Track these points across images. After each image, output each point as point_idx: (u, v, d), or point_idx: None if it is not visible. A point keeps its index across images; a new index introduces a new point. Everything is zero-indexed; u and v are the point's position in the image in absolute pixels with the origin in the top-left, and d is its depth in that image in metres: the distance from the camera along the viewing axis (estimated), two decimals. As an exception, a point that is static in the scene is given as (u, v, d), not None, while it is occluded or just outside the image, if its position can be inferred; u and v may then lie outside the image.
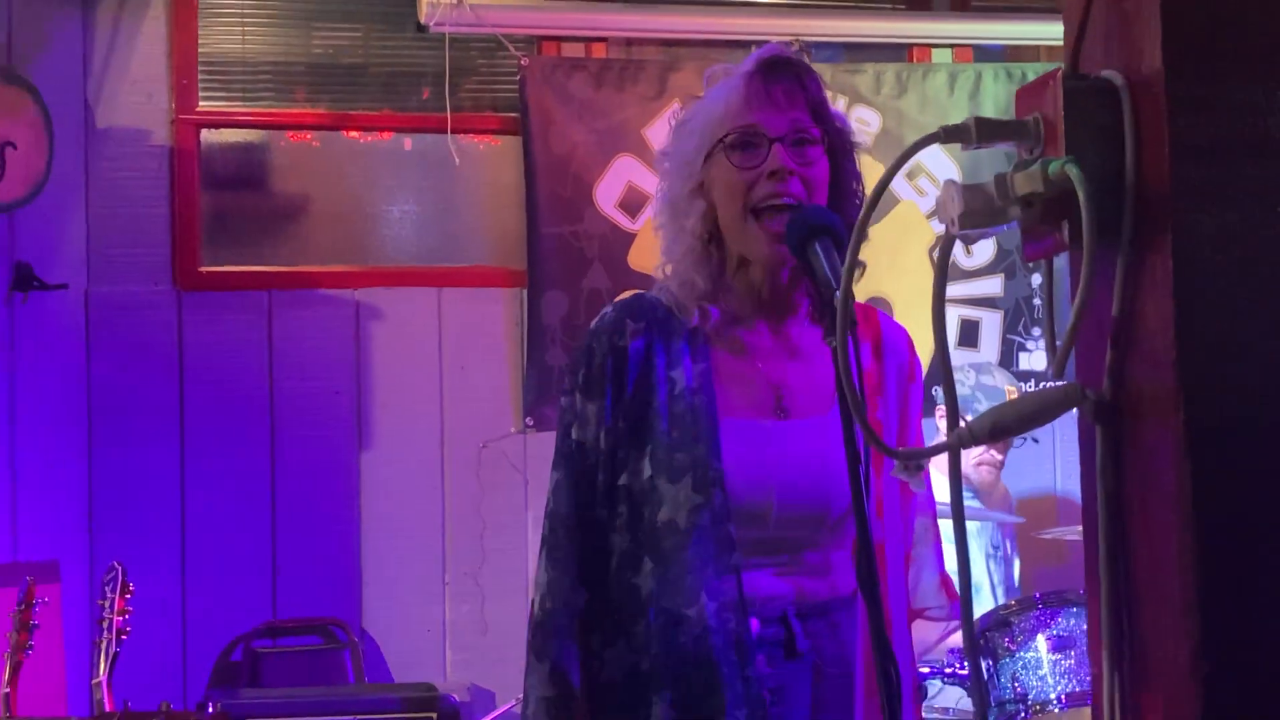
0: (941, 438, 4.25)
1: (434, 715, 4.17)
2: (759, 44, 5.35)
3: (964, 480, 4.19)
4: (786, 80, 2.16)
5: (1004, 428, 1.28)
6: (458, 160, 5.00)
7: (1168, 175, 1.17)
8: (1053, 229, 1.23)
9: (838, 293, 1.93)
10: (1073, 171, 1.15)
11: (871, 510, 2.03)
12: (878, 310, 2.29)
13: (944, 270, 1.31)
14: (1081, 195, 1.15)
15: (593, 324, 2.26)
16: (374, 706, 4.15)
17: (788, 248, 2.05)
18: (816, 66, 5.17)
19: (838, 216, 2.08)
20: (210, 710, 2.07)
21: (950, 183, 1.24)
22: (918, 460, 1.33)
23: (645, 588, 2.13)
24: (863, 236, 1.32)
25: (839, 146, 2.19)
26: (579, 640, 2.19)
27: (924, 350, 2.19)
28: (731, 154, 2.14)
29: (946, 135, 1.25)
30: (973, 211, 1.22)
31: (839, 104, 5.21)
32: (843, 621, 2.16)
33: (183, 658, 4.78)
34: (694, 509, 2.11)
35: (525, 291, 5.00)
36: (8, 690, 3.27)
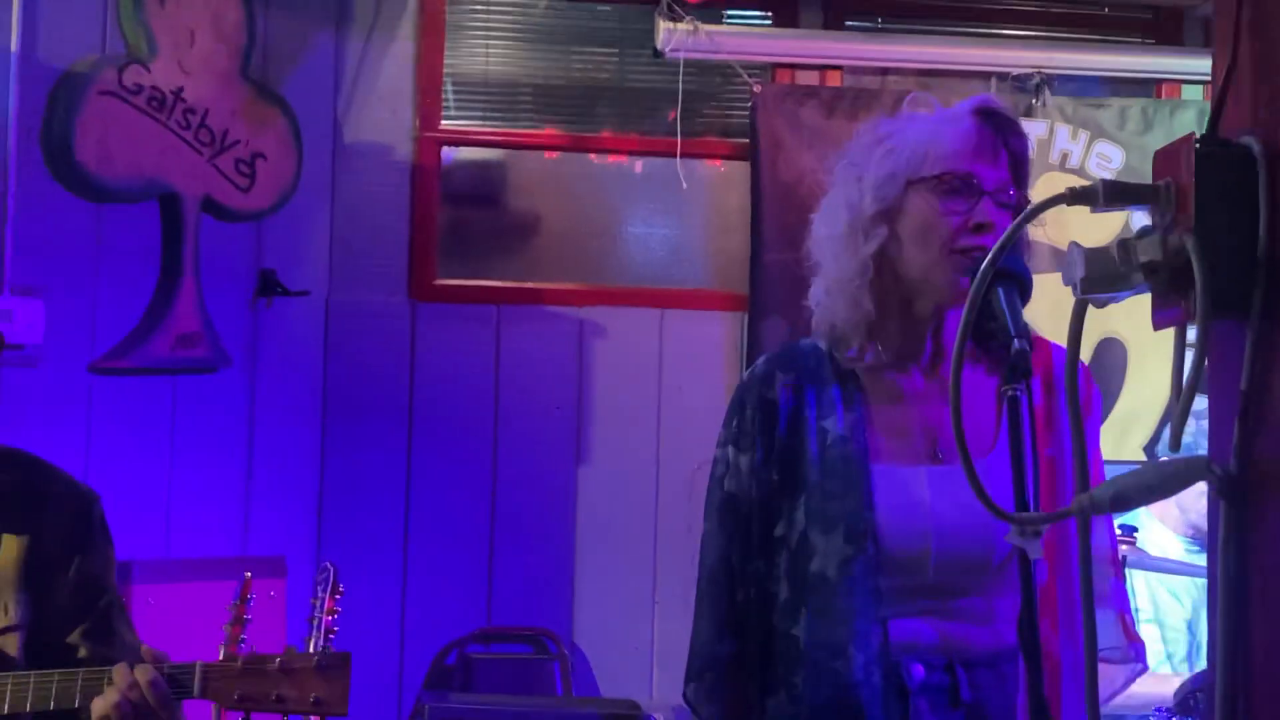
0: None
1: (634, 732, 4.21)
2: (999, 75, 5.28)
3: (1194, 531, 4.04)
4: (1005, 136, 2.15)
5: (1126, 499, 1.25)
6: (685, 184, 5.05)
7: (1301, 248, 1.13)
8: (1180, 298, 1.19)
9: (1015, 341, 1.90)
10: (1190, 244, 1.12)
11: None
12: (1050, 343, 2.23)
13: (1076, 336, 1.28)
14: (1197, 270, 1.12)
15: (744, 376, 2.28)
16: (577, 719, 4.21)
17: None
18: (1058, 100, 5.06)
19: (1022, 263, 2.06)
20: (334, 654, 2.17)
21: (1074, 245, 1.21)
22: (1035, 526, 1.30)
23: (802, 639, 2.13)
24: (984, 285, 1.30)
25: (1021, 208, 2.17)
26: (730, 689, 2.21)
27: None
28: (942, 195, 2.13)
29: (1073, 197, 1.22)
30: (1096, 276, 1.20)
31: (1080, 139, 5.10)
32: (1010, 674, 2.12)
33: (400, 658, 4.92)
34: (845, 560, 2.10)
35: (746, 316, 5.02)
36: (218, 681, 3.40)
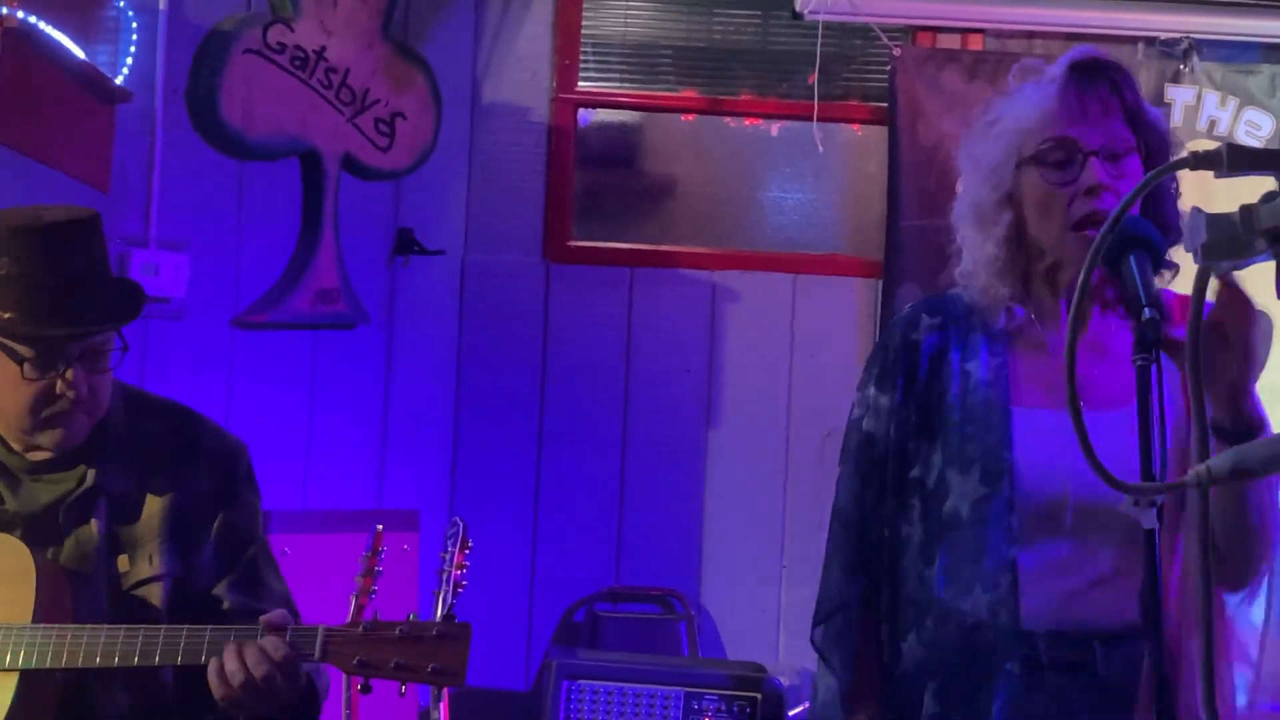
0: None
1: (758, 696, 4.21)
2: (1146, 40, 5.15)
3: None
4: (1101, 87, 2.09)
5: (1246, 469, 1.22)
6: (821, 148, 5.01)
7: None
8: (1305, 266, 1.16)
9: (1145, 310, 1.87)
10: (1314, 209, 1.09)
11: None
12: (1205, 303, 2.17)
13: (1199, 304, 1.25)
14: (1321, 235, 1.08)
15: (891, 319, 2.27)
16: (702, 680, 4.21)
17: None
18: (1206, 66, 4.90)
19: (1155, 229, 2.01)
20: (454, 624, 2.18)
21: (1195, 210, 1.19)
22: (1149, 496, 1.28)
23: (934, 579, 2.13)
24: (1097, 258, 1.28)
25: (1156, 152, 2.11)
26: (861, 631, 2.20)
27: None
28: (1045, 169, 2.10)
29: (1196, 162, 1.19)
30: (1217, 243, 1.17)
31: (1228, 105, 4.96)
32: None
33: (529, 613, 4.98)
34: (979, 500, 2.09)
35: (880, 283, 4.98)
36: (349, 631, 3.46)
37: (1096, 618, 2.06)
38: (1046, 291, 2.18)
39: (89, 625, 2.21)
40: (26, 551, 2.24)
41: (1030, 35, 5.12)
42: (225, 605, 2.34)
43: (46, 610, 2.21)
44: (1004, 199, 2.14)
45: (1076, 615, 2.07)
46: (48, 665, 2.18)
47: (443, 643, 2.15)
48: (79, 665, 2.18)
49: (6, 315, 2.22)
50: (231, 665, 2.13)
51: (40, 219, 2.28)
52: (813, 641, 2.27)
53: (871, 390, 2.24)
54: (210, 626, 2.19)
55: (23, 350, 2.23)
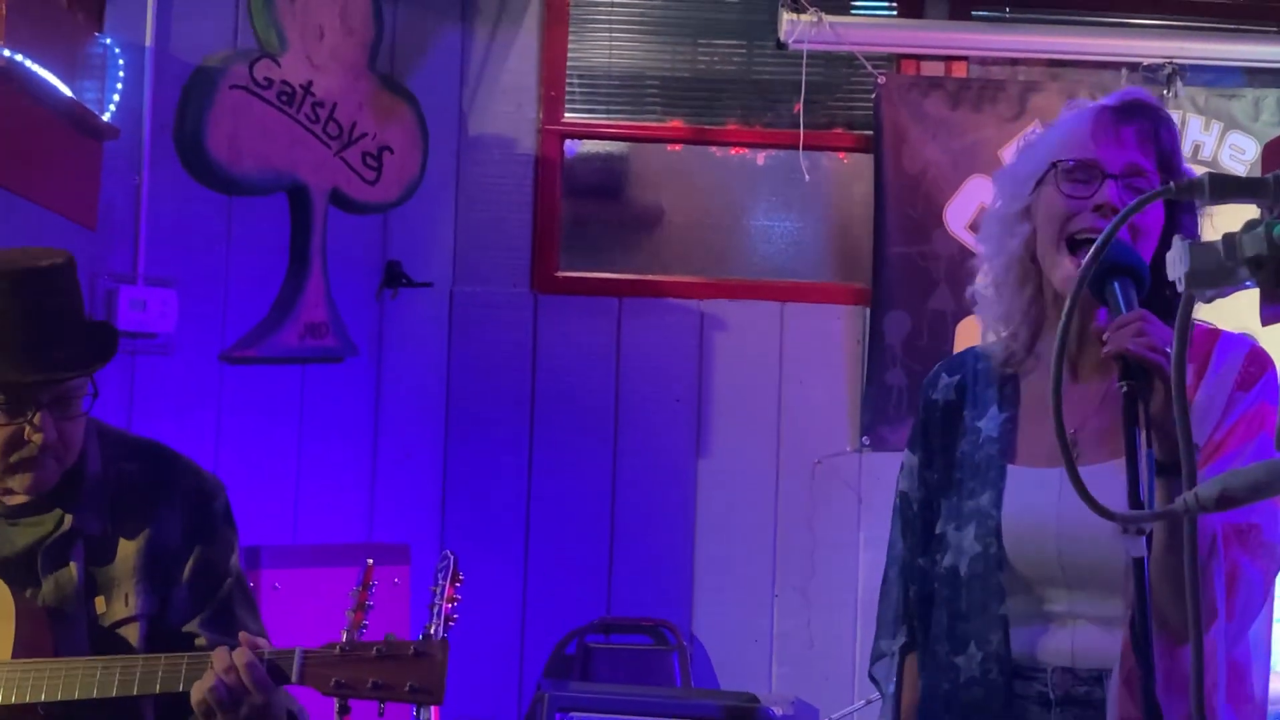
0: None
1: (753, 726, 4.20)
2: (1130, 66, 5.17)
3: None
4: (1140, 124, 2.11)
5: (1231, 497, 1.22)
6: (808, 176, 5.03)
7: None
8: (1287, 293, 1.16)
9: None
10: (1295, 237, 1.09)
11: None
12: (1221, 331, 2.14)
13: (1183, 330, 1.26)
14: (1303, 263, 1.09)
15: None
16: (694, 711, 4.20)
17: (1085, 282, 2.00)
18: (1190, 91, 4.93)
19: (1144, 261, 2.02)
20: (431, 642, 2.18)
21: (1178, 240, 1.19)
22: (1138, 524, 1.28)
23: (937, 637, 2.20)
24: (1081, 287, 1.28)
25: (1179, 205, 2.11)
26: (902, 675, 2.28)
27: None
28: (1063, 181, 2.11)
29: (1178, 191, 1.20)
30: (1200, 271, 1.17)
31: (1212, 130, 4.99)
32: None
33: (520, 645, 4.97)
34: (974, 558, 2.12)
35: (869, 310, 4.99)
36: (339, 665, 3.45)
37: (1102, 657, 2.06)
38: (1049, 323, 2.19)
39: (67, 659, 2.21)
40: (6, 591, 2.24)
41: (1014, 62, 5.16)
42: (199, 642, 2.34)
43: (26, 648, 2.21)
44: (1023, 211, 2.16)
45: (1083, 656, 2.08)
46: (28, 700, 2.18)
47: (420, 660, 2.15)
48: (58, 698, 2.18)
49: None
50: (207, 686, 2.14)
51: (13, 264, 2.28)
52: (870, 675, 2.35)
53: (907, 451, 2.33)
54: (188, 654, 2.20)
55: None
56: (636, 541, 5.00)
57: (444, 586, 3.69)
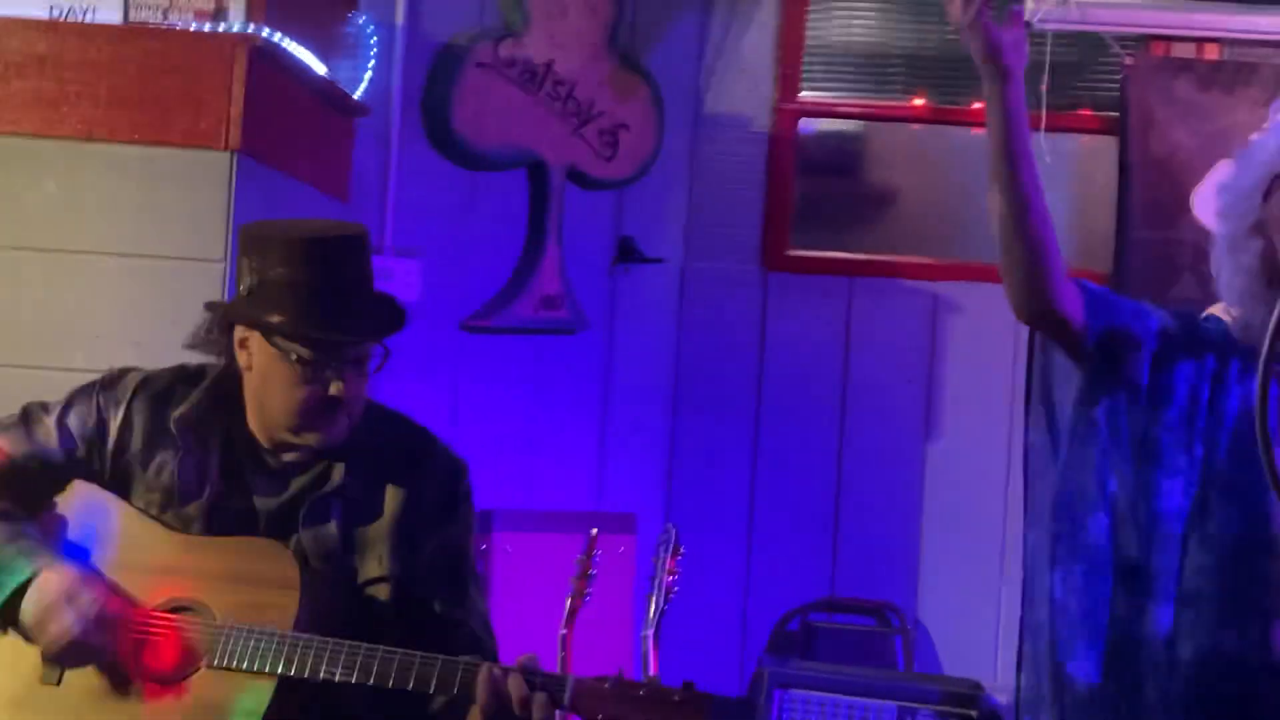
0: None
1: (974, 714, 4.15)
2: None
3: None
4: None
5: None
6: (1049, 158, 4.92)
7: None
8: None
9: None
10: None
11: None
12: None
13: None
14: None
15: None
16: (915, 694, 4.18)
17: None
18: None
19: None
20: (695, 692, 2.19)
21: None
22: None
23: None
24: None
25: None
26: None
27: None
28: None
29: None
30: None
31: None
32: None
33: (742, 621, 5.01)
34: None
35: (1108, 296, 4.87)
36: (564, 632, 3.54)
37: None
38: None
39: (348, 642, 2.25)
40: (292, 559, 2.33)
41: (1269, 44, 4.96)
42: (436, 608, 2.40)
43: (309, 614, 2.29)
44: (1254, 227, 2.11)
45: None
46: (306, 674, 2.24)
47: (683, 709, 2.17)
48: (320, 677, 2.24)
49: (277, 319, 2.32)
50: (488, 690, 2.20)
51: (317, 231, 2.40)
52: None
53: None
54: (462, 661, 2.24)
55: (301, 352, 2.33)
56: (861, 522, 4.98)
57: (664, 559, 3.72)
